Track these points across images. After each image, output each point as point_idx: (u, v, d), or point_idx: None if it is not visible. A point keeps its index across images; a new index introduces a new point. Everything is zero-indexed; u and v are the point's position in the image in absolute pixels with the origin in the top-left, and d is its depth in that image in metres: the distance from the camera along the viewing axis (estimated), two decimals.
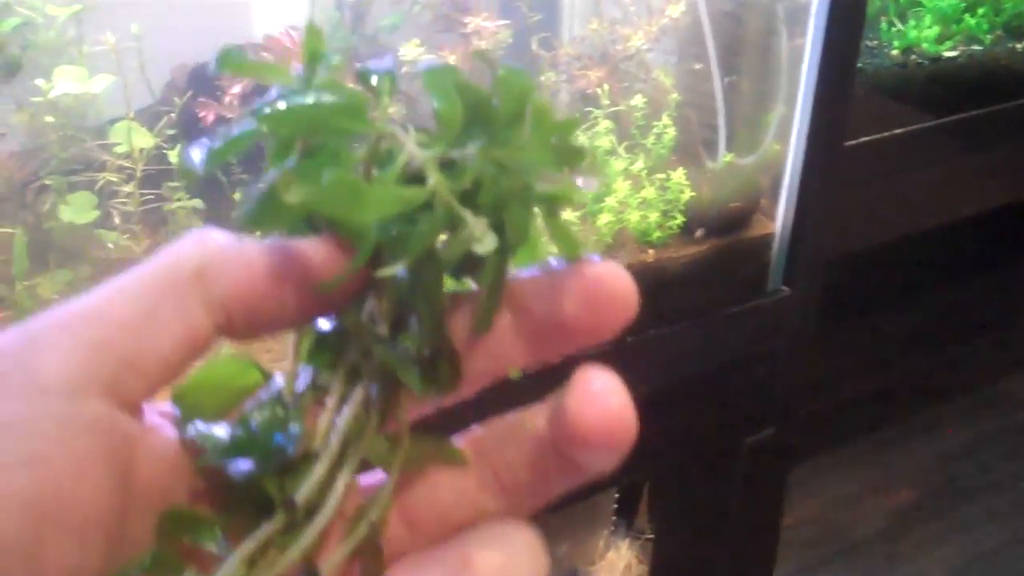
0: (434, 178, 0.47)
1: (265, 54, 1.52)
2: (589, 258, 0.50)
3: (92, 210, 1.43)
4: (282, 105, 0.47)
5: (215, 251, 0.48)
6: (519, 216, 0.49)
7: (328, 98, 0.47)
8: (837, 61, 1.70)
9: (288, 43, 1.50)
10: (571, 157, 0.50)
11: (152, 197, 1.37)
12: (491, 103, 0.48)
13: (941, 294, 2.77)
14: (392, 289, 0.50)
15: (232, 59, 0.50)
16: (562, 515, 2.09)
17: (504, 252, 0.50)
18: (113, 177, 1.31)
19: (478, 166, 0.48)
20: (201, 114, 1.48)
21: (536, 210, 0.50)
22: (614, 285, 0.50)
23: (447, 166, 0.48)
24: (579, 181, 0.51)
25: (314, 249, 0.49)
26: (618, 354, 1.73)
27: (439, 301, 0.50)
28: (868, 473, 2.73)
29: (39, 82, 1.34)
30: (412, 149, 0.48)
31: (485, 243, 0.48)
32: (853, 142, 1.94)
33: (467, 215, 0.48)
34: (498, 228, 0.49)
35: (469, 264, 0.50)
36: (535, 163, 0.49)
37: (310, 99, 0.47)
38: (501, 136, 0.49)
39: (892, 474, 2.75)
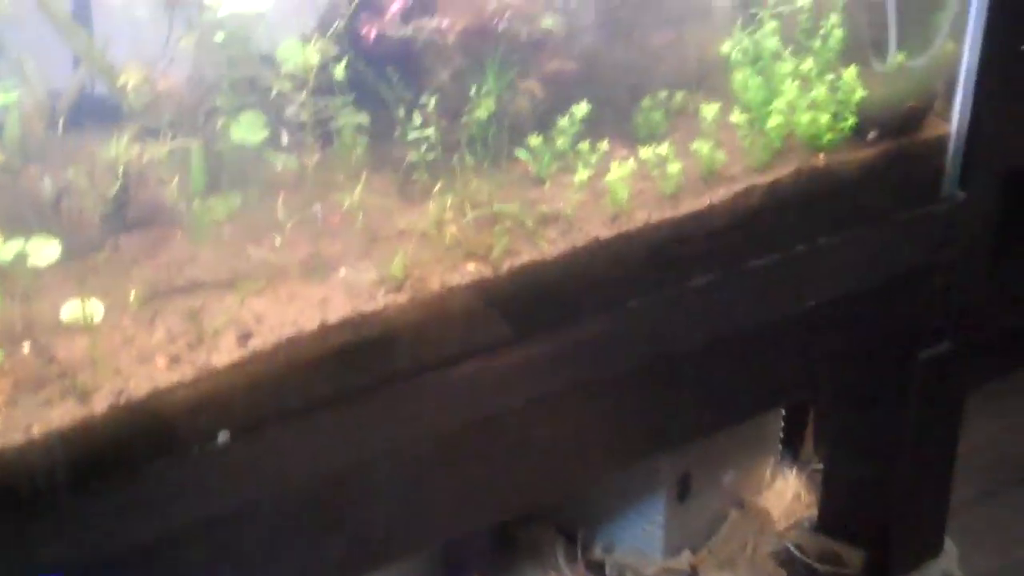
0: None
1: None
2: None
3: (261, 129, 1.44)
4: None
5: None
6: None
7: None
8: None
9: None
10: None
11: (322, 108, 1.37)
12: None
13: None
14: None
15: None
16: (727, 442, 2.05)
17: None
18: (287, 84, 1.31)
19: None
20: (364, 31, 1.48)
21: None
22: None
23: None
24: None
25: None
26: (787, 264, 1.69)
27: None
28: None
29: (207, 1, 1.35)
30: None
31: None
32: None
33: None
34: None
35: None
36: None
37: None
38: None
39: None
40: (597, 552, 2.04)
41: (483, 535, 2.01)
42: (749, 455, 2.18)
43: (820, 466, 2.21)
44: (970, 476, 2.27)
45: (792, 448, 2.29)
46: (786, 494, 2.21)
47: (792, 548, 2.08)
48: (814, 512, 2.15)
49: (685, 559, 2.04)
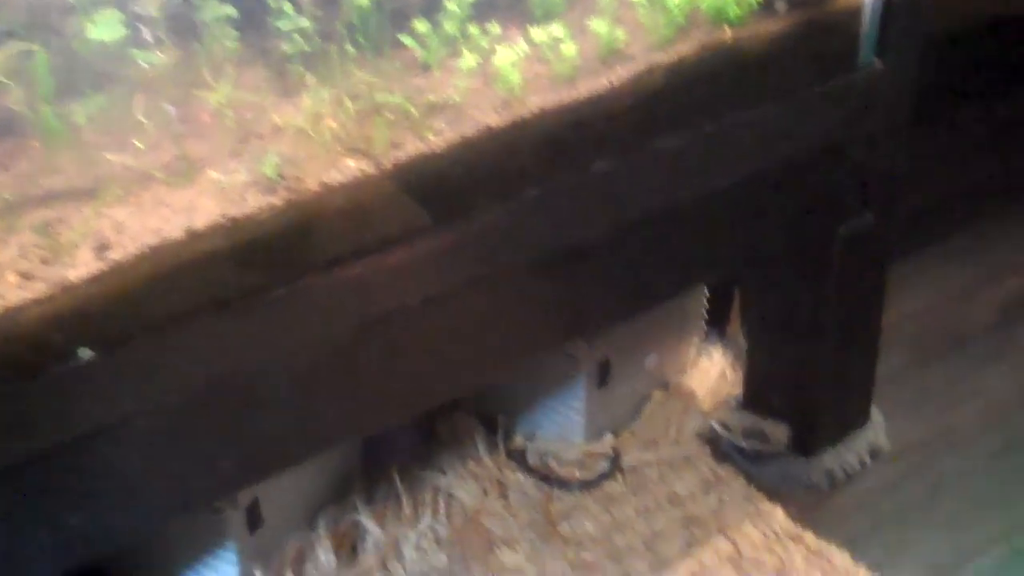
0: None
1: None
2: None
3: (119, 26, 1.34)
4: None
5: None
6: None
7: None
8: None
9: None
10: None
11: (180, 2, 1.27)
12: None
13: None
14: None
15: None
16: (649, 323, 2.01)
17: None
18: None
19: None
20: None
21: None
22: None
23: None
24: None
25: None
26: (697, 144, 1.61)
27: None
28: (975, 266, 2.58)
29: None
30: None
31: None
32: None
33: None
34: None
35: None
36: None
37: None
38: None
39: (1000, 265, 2.59)
40: (518, 440, 2.02)
41: (402, 427, 1.98)
42: (673, 335, 2.14)
43: (746, 341, 2.17)
44: (899, 346, 2.25)
45: (718, 326, 2.25)
46: (711, 373, 2.19)
47: (716, 426, 2.06)
48: (740, 390, 2.12)
49: (607, 442, 2.02)
